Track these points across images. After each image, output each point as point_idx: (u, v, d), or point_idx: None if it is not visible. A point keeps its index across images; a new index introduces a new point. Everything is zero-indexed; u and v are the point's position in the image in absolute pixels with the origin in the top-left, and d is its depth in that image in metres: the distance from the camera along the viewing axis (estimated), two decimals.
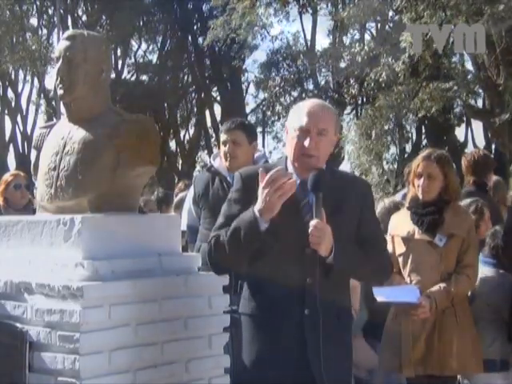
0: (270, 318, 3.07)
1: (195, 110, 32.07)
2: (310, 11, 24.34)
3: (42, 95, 30.68)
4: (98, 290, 3.03)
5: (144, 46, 31.54)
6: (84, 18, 29.96)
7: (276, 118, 28.82)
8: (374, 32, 24.82)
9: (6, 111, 30.58)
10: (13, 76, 29.74)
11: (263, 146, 26.29)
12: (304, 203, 3.08)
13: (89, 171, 3.31)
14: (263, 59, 27.55)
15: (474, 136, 26.71)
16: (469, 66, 18.99)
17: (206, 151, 31.33)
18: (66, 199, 3.35)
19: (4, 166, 25.12)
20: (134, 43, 31.43)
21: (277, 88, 25.41)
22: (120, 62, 30.33)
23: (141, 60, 31.93)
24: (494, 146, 20.82)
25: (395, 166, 21.90)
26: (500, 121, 13.92)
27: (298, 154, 3.08)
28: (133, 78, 31.30)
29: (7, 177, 6.28)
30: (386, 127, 20.62)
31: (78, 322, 2.96)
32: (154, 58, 31.53)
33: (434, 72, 17.34)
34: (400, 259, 4.50)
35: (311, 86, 25.17)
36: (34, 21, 29.39)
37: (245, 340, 3.18)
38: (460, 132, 26.23)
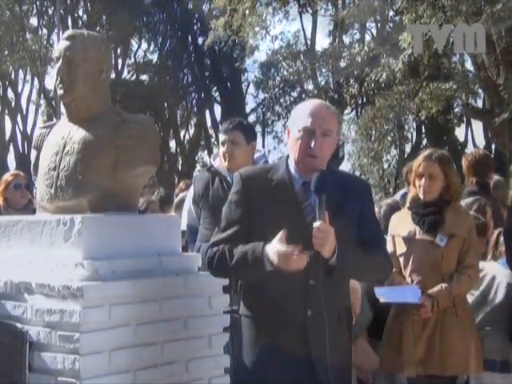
0: (272, 320, 3.07)
1: (195, 109, 32.06)
2: (310, 11, 24.33)
3: (42, 95, 30.67)
4: (98, 290, 3.03)
5: (144, 45, 31.57)
6: (84, 17, 29.95)
7: (276, 118, 28.83)
8: (374, 32, 24.85)
9: (6, 111, 30.57)
10: (13, 76, 29.73)
11: (263, 146, 26.30)
12: (306, 204, 3.08)
13: (89, 171, 3.31)
14: (263, 59, 27.60)
15: (473, 136, 26.74)
16: (469, 65, 18.99)
17: (206, 151, 31.32)
18: (66, 199, 3.35)
19: (4, 166, 25.11)
20: (134, 43, 31.46)
21: (276, 89, 25.42)
22: (120, 62, 30.33)
23: (141, 60, 31.92)
24: (493, 146, 20.81)
25: (395, 166, 21.91)
26: (500, 120, 13.91)
27: (302, 154, 3.08)
28: (133, 78, 31.30)
29: (7, 177, 6.27)
30: (386, 127, 20.63)
31: (77, 322, 2.96)
32: (154, 58, 31.55)
33: (434, 72, 17.34)
34: (401, 259, 4.50)
35: (311, 87, 25.17)
36: (34, 21, 29.42)
37: (245, 341, 3.18)
38: (460, 132, 26.24)
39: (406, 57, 13.80)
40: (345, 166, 22.73)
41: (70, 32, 3.56)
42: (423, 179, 4.45)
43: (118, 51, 29.78)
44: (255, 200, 3.08)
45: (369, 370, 4.94)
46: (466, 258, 4.39)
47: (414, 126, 24.76)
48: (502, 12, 11.13)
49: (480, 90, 18.90)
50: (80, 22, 28.73)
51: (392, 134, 21.97)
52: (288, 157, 3.20)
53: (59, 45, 3.49)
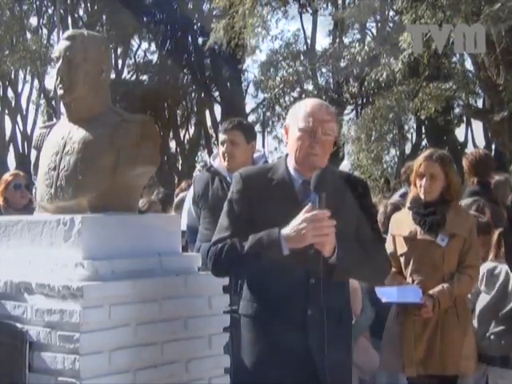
0: (272, 319, 3.07)
1: (195, 109, 32.06)
2: (310, 11, 24.34)
3: (42, 95, 30.68)
4: (98, 290, 3.03)
5: (144, 45, 31.57)
6: (84, 17, 29.95)
7: (276, 118, 28.81)
8: (374, 32, 24.85)
9: (6, 111, 30.58)
10: (13, 76, 29.73)
11: (263, 146, 26.29)
12: (306, 203, 3.08)
13: (89, 171, 3.31)
14: (263, 59, 27.58)
15: (473, 136, 26.74)
16: (469, 65, 18.99)
17: (205, 151, 31.31)
18: (66, 199, 3.35)
19: (4, 166, 25.12)
20: (134, 43, 31.47)
21: (276, 89, 25.42)
22: (120, 62, 30.32)
23: (141, 60, 31.93)
24: (494, 146, 20.81)
25: (395, 167, 21.90)
26: (499, 118, 13.91)
27: (304, 153, 3.09)
28: (133, 78, 31.29)
29: (7, 177, 6.27)
30: (386, 127, 20.62)
31: (77, 322, 2.96)
32: (154, 58, 31.55)
33: (433, 72, 17.34)
34: (402, 259, 4.50)
35: (311, 87, 25.16)
36: (34, 21, 29.42)
37: (245, 341, 3.18)
38: (460, 132, 26.24)
39: (405, 57, 13.81)
40: (344, 166, 22.72)
41: (69, 32, 3.57)
42: (424, 179, 4.46)
43: (119, 52, 29.78)
44: (256, 199, 3.08)
45: (370, 369, 4.95)
46: (467, 258, 4.40)
47: (414, 126, 24.77)
48: (500, 12, 11.13)
49: (480, 90, 18.90)
50: (80, 22, 28.74)
51: (391, 135, 21.96)
52: (287, 156, 3.21)
53: (59, 45, 3.49)
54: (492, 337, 4.54)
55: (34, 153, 3.73)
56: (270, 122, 29.57)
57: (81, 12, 30.37)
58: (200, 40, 28.23)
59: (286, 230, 2.93)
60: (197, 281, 3.38)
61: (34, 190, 3.68)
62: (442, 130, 22.51)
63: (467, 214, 4.67)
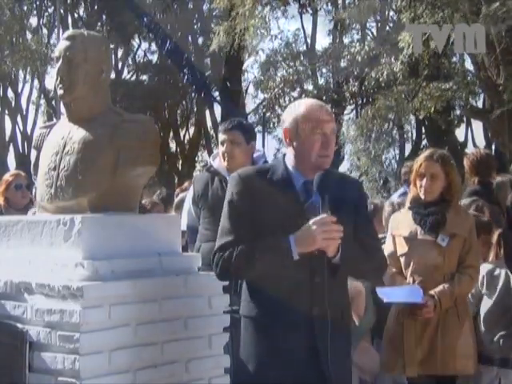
0: (277, 320, 3.07)
1: (195, 109, 32.04)
2: (310, 11, 24.33)
3: (42, 95, 30.66)
4: (98, 290, 3.03)
5: (144, 45, 31.56)
6: (84, 17, 29.94)
7: (276, 118, 28.79)
8: (374, 32, 24.83)
9: (6, 111, 30.56)
10: (13, 76, 29.72)
11: (263, 146, 26.28)
12: (308, 203, 3.10)
13: (89, 171, 3.31)
14: (263, 59, 27.57)
15: (474, 136, 26.73)
16: (469, 65, 18.99)
17: (206, 151, 31.30)
18: (66, 199, 3.35)
19: (4, 166, 25.12)
20: (134, 43, 31.43)
21: (276, 89, 25.41)
22: (120, 62, 30.31)
23: (141, 60, 31.91)
24: (494, 146, 20.81)
25: (395, 167, 21.90)
26: (495, 115, 13.90)
27: (316, 155, 3.11)
28: (133, 78, 31.28)
29: (8, 177, 6.28)
30: (386, 127, 20.62)
31: (77, 322, 2.96)
32: (154, 58, 31.53)
33: (433, 72, 17.33)
34: (402, 259, 4.50)
35: (311, 87, 25.15)
36: (33, 21, 29.40)
37: (247, 342, 3.17)
38: (460, 132, 26.23)
39: (405, 56, 13.80)
40: (344, 166, 22.75)
41: (69, 32, 3.57)
42: (424, 179, 4.46)
43: (119, 52, 29.77)
44: (257, 200, 3.08)
45: (371, 370, 4.95)
46: (467, 258, 4.40)
47: (414, 126, 24.76)
48: (499, 11, 11.11)
49: (480, 90, 18.89)
50: (80, 22, 28.73)
51: (391, 135, 21.97)
52: (284, 156, 3.22)
53: (59, 45, 3.50)
54: (501, 340, 4.53)
55: (34, 153, 3.73)
56: (271, 123, 29.57)
57: (81, 12, 30.37)
58: (200, 40, 28.24)
59: (296, 235, 2.96)
60: (197, 281, 3.38)
61: (33, 190, 3.67)
62: (442, 130, 22.50)
63: (467, 213, 4.67)
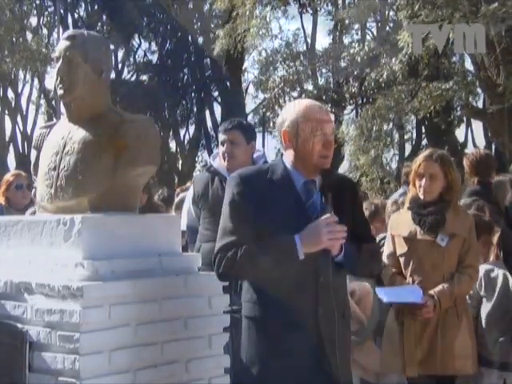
0: (283, 320, 3.06)
1: (195, 109, 32.04)
2: (310, 11, 24.34)
3: (42, 95, 30.66)
4: (98, 289, 3.03)
5: (144, 45, 31.55)
6: (84, 17, 29.94)
7: (276, 119, 28.74)
8: (374, 32, 24.83)
9: (6, 111, 30.56)
10: (13, 76, 29.72)
11: (263, 146, 26.28)
12: (310, 203, 3.11)
13: (89, 171, 3.31)
14: (263, 59, 27.54)
15: (473, 136, 26.75)
16: (469, 65, 18.98)
17: (205, 151, 31.31)
18: (66, 199, 3.35)
19: (4, 166, 25.13)
20: (134, 43, 31.43)
21: (276, 89, 25.41)
22: (120, 62, 30.31)
23: (141, 60, 31.90)
24: (494, 146, 20.80)
25: (395, 167, 21.89)
26: (492, 110, 13.91)
27: (317, 155, 3.12)
28: (133, 78, 31.28)
29: (8, 177, 6.28)
30: (386, 127, 20.61)
31: (77, 322, 2.96)
32: (154, 58, 31.53)
33: (433, 72, 17.33)
34: (401, 259, 4.50)
35: (311, 87, 25.16)
36: (34, 21, 29.40)
37: (249, 343, 3.17)
38: (460, 132, 26.24)
39: (404, 56, 13.79)
40: (344, 166, 22.73)
41: (70, 32, 3.57)
42: (423, 179, 4.46)
43: (119, 52, 29.78)
44: (258, 201, 3.08)
45: (374, 370, 4.95)
46: (467, 258, 4.40)
47: (414, 126, 24.76)
48: (498, 11, 11.10)
49: (480, 90, 18.88)
50: (80, 22, 28.72)
51: (391, 135, 21.95)
52: (282, 156, 3.22)
53: (59, 45, 3.49)
54: (500, 345, 4.53)
55: (34, 153, 3.73)
56: (271, 123, 29.57)
57: (81, 12, 30.37)
58: (200, 40, 28.24)
59: (302, 235, 2.98)
60: (197, 281, 3.38)
61: (33, 190, 3.67)
62: (442, 130, 22.50)
63: (466, 213, 4.67)
